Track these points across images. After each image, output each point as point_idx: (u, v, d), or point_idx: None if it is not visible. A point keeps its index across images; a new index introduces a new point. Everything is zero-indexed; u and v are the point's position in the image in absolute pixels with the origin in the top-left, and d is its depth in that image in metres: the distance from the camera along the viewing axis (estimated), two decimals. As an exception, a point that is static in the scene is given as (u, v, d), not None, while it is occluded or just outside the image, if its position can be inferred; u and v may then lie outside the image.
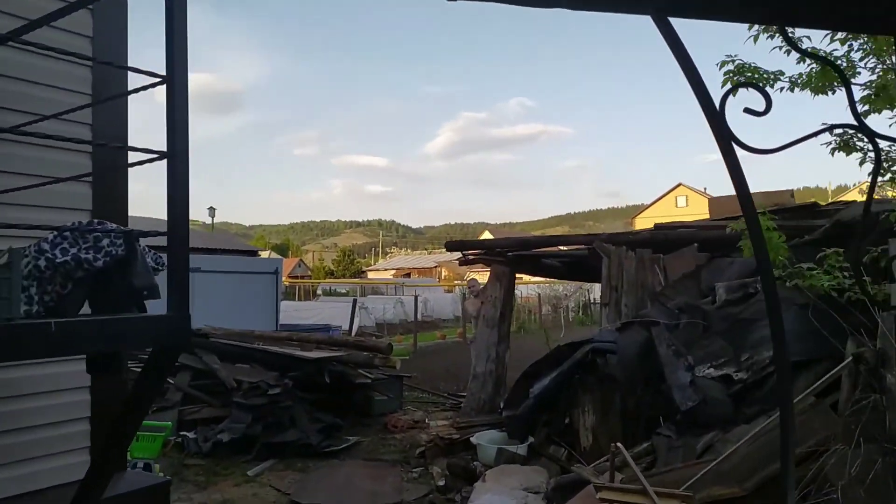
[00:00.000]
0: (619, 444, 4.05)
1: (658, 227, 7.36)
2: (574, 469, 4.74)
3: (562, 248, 8.07)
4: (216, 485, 6.34)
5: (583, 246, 7.63)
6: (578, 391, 5.89)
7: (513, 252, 7.74)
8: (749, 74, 5.05)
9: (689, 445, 4.80)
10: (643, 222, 63.03)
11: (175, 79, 2.18)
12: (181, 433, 7.63)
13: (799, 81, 5.14)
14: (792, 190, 6.83)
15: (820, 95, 5.13)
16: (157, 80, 2.24)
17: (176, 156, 2.19)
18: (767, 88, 5.22)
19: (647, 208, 72.28)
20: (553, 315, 31.79)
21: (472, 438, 6.02)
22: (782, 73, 5.06)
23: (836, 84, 5.04)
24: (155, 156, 2.26)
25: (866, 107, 4.79)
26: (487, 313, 7.67)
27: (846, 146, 4.70)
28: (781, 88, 5.10)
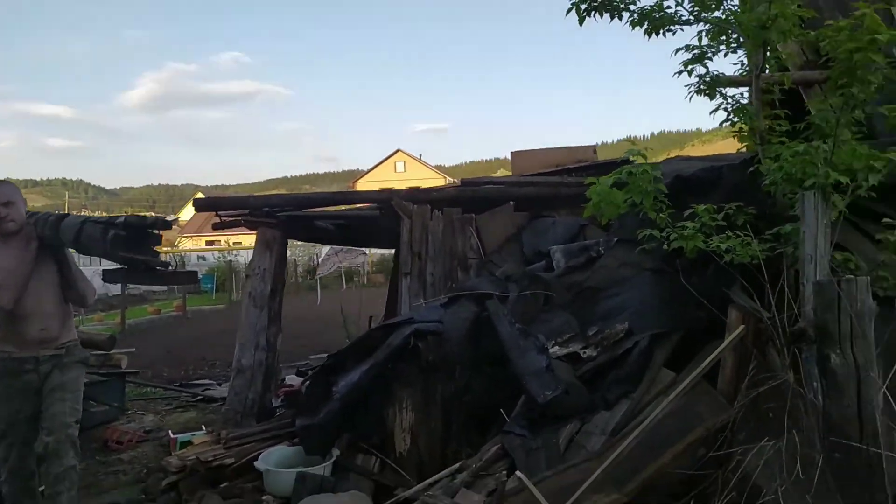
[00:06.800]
0: (521, 475, 2.94)
1: (465, 182, 6.40)
2: (424, 498, 3.53)
3: (342, 207, 6.69)
4: None
5: (371, 204, 6.36)
6: (394, 384, 4.69)
7: (286, 212, 6.14)
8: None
9: (551, 445, 3.92)
10: (363, 186, 63.40)
11: None
12: None
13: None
14: (594, 146, 6.38)
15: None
16: None
17: None
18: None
19: (366, 173, 72.96)
20: (293, 280, 30.12)
21: (256, 463, 4.43)
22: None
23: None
24: None
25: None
26: (256, 289, 5.98)
27: (711, 89, 4.15)
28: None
